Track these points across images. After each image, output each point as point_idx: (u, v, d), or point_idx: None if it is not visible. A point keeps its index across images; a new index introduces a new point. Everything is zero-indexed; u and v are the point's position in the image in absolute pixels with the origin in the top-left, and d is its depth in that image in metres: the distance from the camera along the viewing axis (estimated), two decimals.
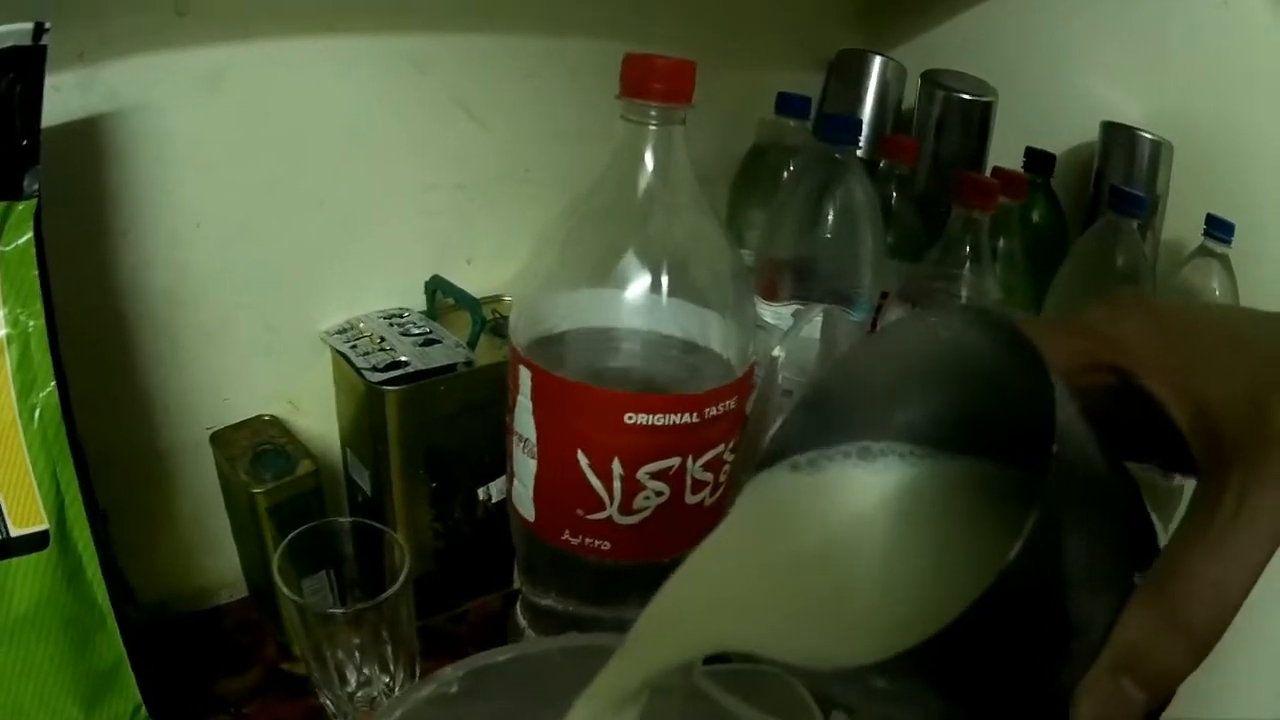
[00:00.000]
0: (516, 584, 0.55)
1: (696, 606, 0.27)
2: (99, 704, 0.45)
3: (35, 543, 0.40)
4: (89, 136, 0.46)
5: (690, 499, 0.45)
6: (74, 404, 0.40)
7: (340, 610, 0.44)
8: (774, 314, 0.59)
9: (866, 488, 0.27)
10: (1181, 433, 0.21)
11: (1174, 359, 0.22)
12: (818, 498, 0.27)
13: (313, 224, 0.55)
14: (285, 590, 0.43)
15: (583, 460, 0.43)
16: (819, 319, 0.54)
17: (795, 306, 0.58)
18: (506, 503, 0.50)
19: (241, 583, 0.59)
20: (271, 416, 0.54)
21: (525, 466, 0.46)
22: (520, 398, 0.45)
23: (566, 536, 0.45)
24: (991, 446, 0.25)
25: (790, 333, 0.53)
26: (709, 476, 0.45)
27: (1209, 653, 0.19)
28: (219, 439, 0.52)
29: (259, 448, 0.51)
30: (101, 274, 0.49)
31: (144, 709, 0.46)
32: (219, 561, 0.58)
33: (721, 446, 0.45)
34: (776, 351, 0.52)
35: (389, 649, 0.45)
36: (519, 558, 0.52)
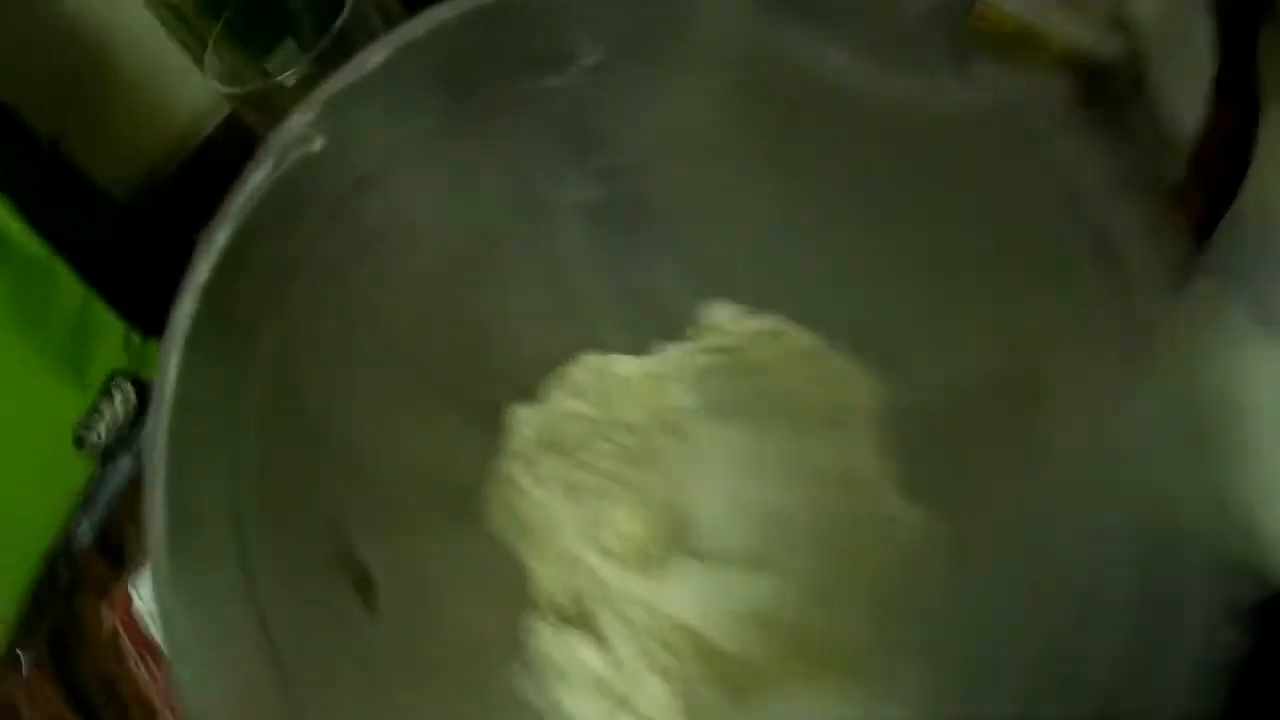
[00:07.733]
0: None
1: None
2: (86, 361, 0.43)
3: None
4: None
5: None
6: None
7: (297, 68, 0.35)
8: None
9: None
10: None
11: None
12: None
13: None
14: (224, 89, 0.36)
15: None
16: None
17: None
18: None
19: (221, 101, 0.56)
20: None
21: None
22: None
23: None
24: None
25: None
26: None
27: None
28: None
29: None
30: None
31: (134, 333, 0.45)
32: (190, 92, 0.57)
33: None
34: None
35: None
36: None
